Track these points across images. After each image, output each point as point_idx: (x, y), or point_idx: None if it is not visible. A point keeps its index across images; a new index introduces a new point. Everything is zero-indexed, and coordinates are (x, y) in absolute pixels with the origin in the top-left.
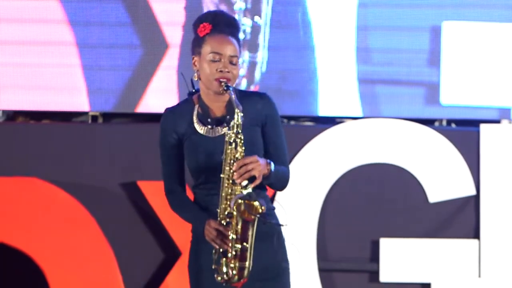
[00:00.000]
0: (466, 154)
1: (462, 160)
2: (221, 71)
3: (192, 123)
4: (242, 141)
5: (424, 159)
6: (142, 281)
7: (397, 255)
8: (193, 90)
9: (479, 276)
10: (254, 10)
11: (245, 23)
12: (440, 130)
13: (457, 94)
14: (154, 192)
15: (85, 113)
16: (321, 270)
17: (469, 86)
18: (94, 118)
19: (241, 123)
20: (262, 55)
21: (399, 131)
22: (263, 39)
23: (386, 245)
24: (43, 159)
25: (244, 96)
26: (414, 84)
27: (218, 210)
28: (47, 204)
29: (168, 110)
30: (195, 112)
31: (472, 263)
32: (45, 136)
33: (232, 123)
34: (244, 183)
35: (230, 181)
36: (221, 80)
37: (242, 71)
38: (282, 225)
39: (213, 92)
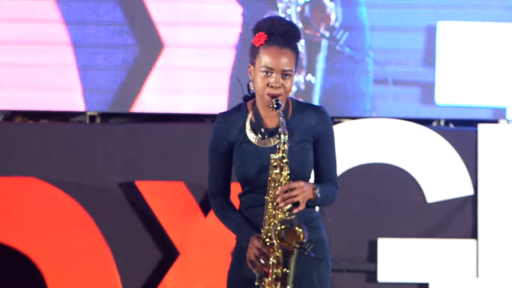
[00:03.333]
0: (464, 154)
1: (460, 160)
2: (272, 86)
3: (244, 130)
4: (287, 166)
5: (422, 159)
6: (140, 281)
7: (395, 255)
8: (248, 95)
9: (477, 276)
10: (309, 68)
11: (299, 80)
12: (437, 130)
13: (452, 94)
14: (152, 192)
15: (83, 113)
16: None
17: (464, 86)
18: (92, 118)
19: (286, 148)
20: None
21: (397, 131)
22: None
23: (384, 245)
24: (41, 159)
25: (299, 109)
26: (409, 84)
27: (262, 231)
28: (45, 204)
29: (221, 115)
30: (248, 120)
31: (470, 263)
32: (43, 136)
33: (277, 147)
34: (287, 207)
35: (274, 204)
36: (273, 96)
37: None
38: (321, 258)
39: (265, 104)
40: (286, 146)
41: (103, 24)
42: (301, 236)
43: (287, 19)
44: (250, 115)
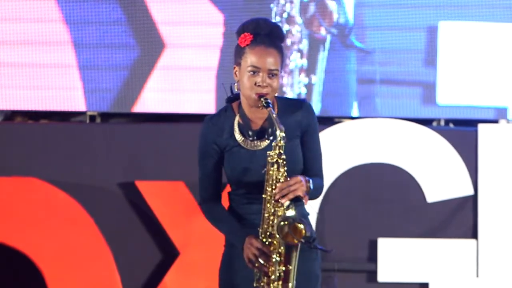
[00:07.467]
0: (464, 154)
1: (460, 160)
2: (259, 85)
3: (233, 133)
4: (285, 162)
5: (422, 159)
6: (140, 281)
7: (395, 255)
8: (231, 96)
9: (477, 276)
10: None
11: (301, 80)
12: (438, 130)
13: (453, 94)
14: (152, 192)
15: (83, 113)
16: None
17: (465, 86)
18: (92, 118)
19: (283, 144)
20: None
21: (397, 131)
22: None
23: (384, 245)
24: (42, 159)
25: (284, 106)
26: (410, 84)
27: (260, 230)
28: (45, 204)
29: (209, 119)
30: (235, 122)
31: (470, 263)
32: (43, 136)
33: (274, 144)
34: (287, 203)
35: (273, 201)
36: (260, 95)
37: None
38: (328, 251)
39: (252, 105)
40: (282, 142)
41: (104, 23)
42: (303, 231)
43: (273, 20)
44: (237, 118)
